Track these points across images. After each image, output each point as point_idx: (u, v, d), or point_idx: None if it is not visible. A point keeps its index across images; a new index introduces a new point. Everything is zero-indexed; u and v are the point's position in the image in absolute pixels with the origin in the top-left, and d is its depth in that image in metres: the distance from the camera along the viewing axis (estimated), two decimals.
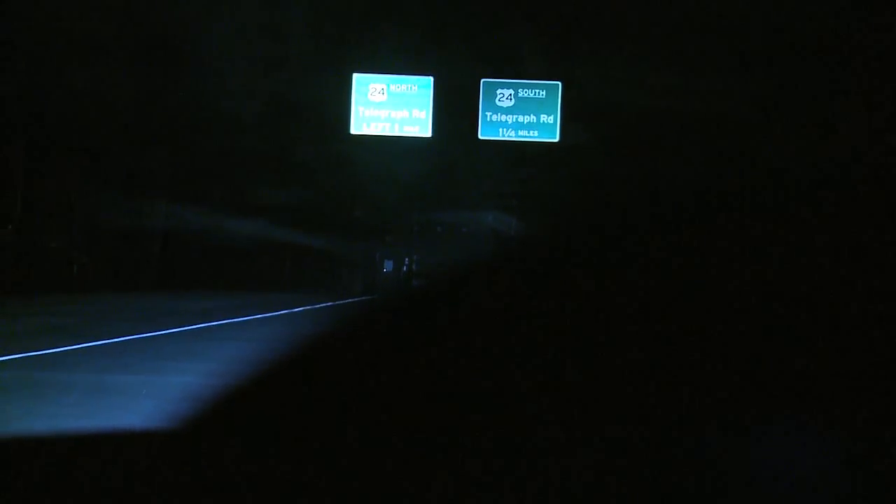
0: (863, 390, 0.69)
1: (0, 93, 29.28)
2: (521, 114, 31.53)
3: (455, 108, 32.00)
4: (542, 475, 0.74)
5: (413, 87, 32.21)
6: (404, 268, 44.52)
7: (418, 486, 0.73)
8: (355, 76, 32.46)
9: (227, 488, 0.60)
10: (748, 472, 0.71)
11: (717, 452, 0.71)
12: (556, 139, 31.75)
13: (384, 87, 32.23)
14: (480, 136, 31.83)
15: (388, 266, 44.91)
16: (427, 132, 32.20)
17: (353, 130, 32.51)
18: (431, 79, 32.17)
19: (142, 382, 9.27)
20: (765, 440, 0.70)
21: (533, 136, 31.80)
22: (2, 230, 30.99)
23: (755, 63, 34.65)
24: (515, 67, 33.98)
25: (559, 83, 32.11)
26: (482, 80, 31.79)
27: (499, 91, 31.74)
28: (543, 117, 31.56)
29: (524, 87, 31.84)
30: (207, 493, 0.59)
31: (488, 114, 31.62)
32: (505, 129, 31.71)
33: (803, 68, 34.00)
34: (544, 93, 31.78)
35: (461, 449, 0.71)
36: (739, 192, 0.72)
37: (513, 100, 31.55)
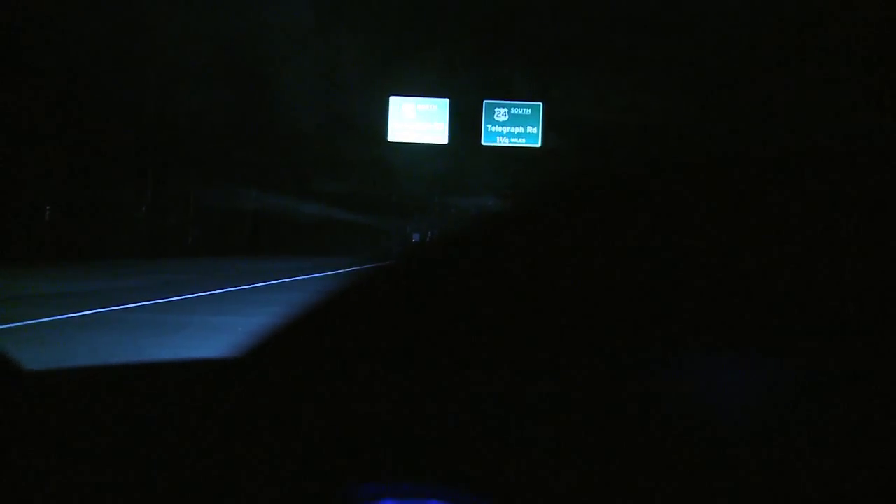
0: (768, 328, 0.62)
1: (135, 113, 29.62)
2: (513, 126, 31.51)
3: (464, 122, 31.95)
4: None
5: (434, 106, 32.18)
6: (427, 238, 44.61)
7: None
8: (391, 98, 32.41)
9: (273, 398, 0.60)
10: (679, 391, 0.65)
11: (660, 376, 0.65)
12: (539, 145, 31.68)
13: (413, 106, 32.21)
14: (483, 143, 31.83)
15: (415, 237, 45.08)
16: (444, 139, 32.22)
17: (390, 138, 32.60)
18: (447, 100, 32.12)
19: (235, 322, 9.23)
20: (695, 368, 0.64)
21: (521, 142, 31.77)
22: (137, 212, 31.29)
23: (687, 87, 34.76)
24: (509, 91, 33.96)
25: (541, 104, 31.98)
26: (484, 101, 31.78)
27: (496, 109, 31.66)
28: (529, 129, 31.54)
29: (515, 106, 31.75)
30: (262, 401, 0.60)
31: (489, 126, 31.59)
32: (501, 137, 31.70)
33: (725, 92, 34.12)
34: (530, 111, 31.72)
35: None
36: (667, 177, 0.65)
37: (507, 115, 31.51)
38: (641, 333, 0.57)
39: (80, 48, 25.35)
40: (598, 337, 0.57)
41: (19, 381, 0.54)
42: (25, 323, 8.19)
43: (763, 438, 0.60)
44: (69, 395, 0.63)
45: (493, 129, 31.48)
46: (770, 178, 0.58)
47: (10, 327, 7.76)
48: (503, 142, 31.61)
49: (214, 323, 9.19)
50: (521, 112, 31.55)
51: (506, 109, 31.57)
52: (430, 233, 44.41)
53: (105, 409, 0.60)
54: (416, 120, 32.16)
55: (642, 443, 0.61)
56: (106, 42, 26.78)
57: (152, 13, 29.75)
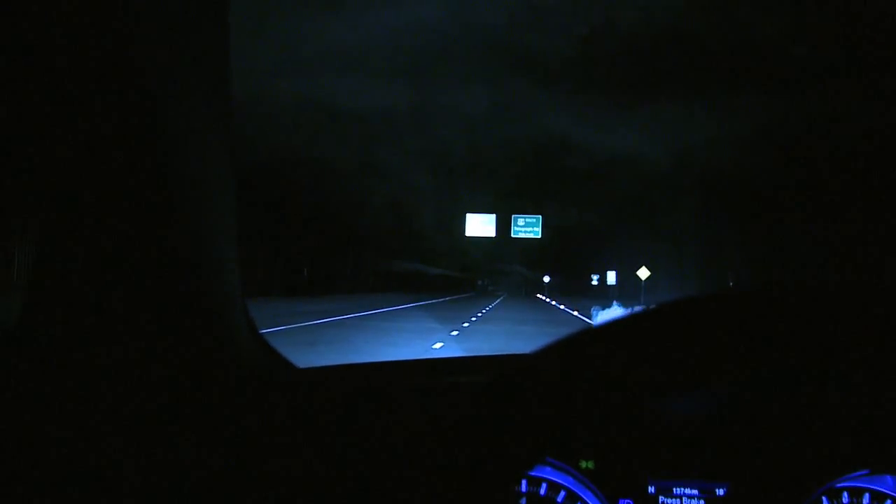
0: None
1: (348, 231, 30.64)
2: (526, 227, 31.26)
3: (503, 225, 31.84)
4: None
5: (487, 217, 32.15)
6: (486, 284, 43.84)
7: None
8: (468, 215, 32.60)
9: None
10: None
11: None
12: (539, 237, 31.17)
13: (477, 217, 32.28)
14: (511, 236, 31.49)
15: (480, 284, 44.55)
16: (493, 234, 32.01)
17: (466, 234, 32.51)
18: (494, 215, 32.10)
19: (394, 326, 9.03)
20: None
21: (531, 235, 31.31)
22: (345, 271, 31.96)
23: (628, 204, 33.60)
24: (525, 209, 33.43)
25: (540, 216, 31.69)
26: (512, 215, 31.61)
27: (518, 218, 31.49)
28: (534, 228, 31.22)
29: (528, 217, 31.53)
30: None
31: (514, 227, 31.36)
32: (520, 233, 31.33)
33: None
34: (535, 219, 31.43)
35: None
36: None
37: (524, 222, 31.25)
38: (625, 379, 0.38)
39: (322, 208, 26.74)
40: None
41: (288, 372, 0.43)
42: (296, 325, 8.51)
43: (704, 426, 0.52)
44: (319, 386, 0.46)
45: (517, 228, 31.34)
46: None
47: (289, 328, 7.96)
48: (521, 235, 31.34)
49: (384, 326, 9.23)
50: (531, 220, 31.39)
51: (523, 219, 31.42)
52: (486, 281, 43.88)
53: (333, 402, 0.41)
54: (479, 224, 32.29)
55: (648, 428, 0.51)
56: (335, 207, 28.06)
57: (352, 184, 31.12)
